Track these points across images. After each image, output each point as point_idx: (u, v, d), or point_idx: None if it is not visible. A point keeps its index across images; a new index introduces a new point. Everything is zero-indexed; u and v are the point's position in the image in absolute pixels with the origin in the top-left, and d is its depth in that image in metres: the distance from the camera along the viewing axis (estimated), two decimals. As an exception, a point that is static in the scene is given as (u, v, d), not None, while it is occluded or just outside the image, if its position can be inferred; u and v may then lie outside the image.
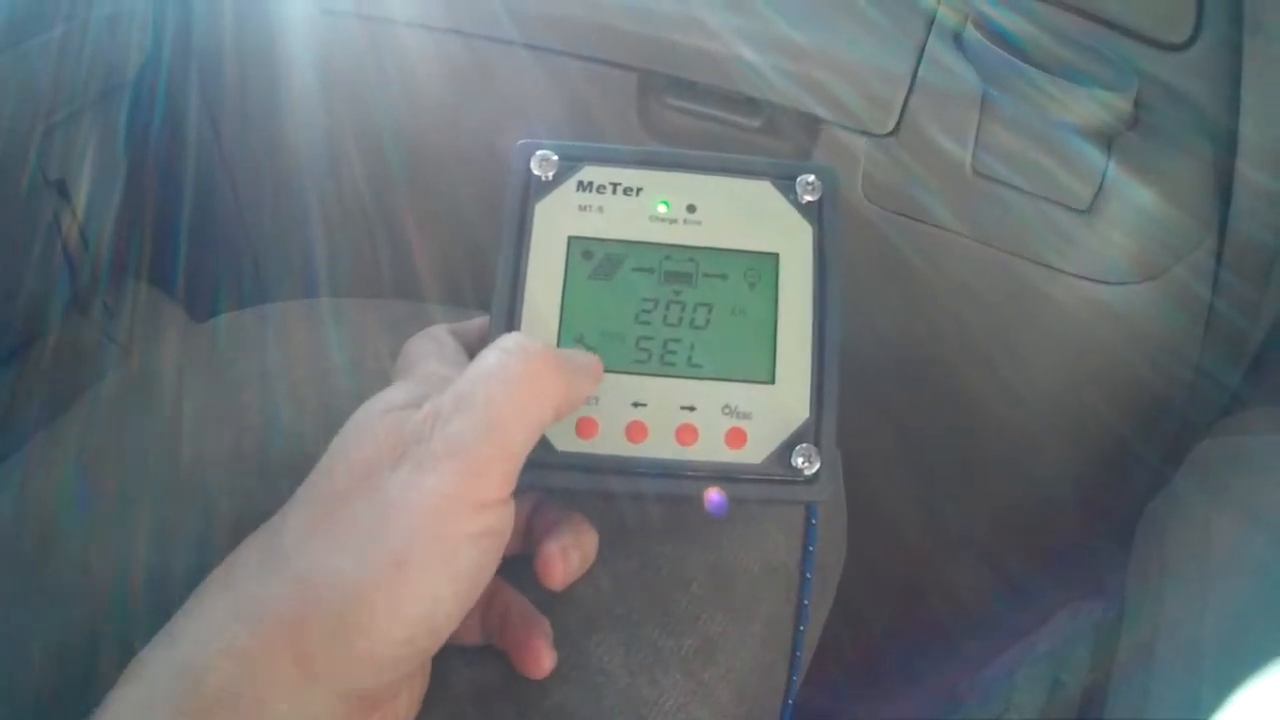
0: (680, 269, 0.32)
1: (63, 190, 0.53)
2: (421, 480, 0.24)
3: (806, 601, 0.39)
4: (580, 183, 0.32)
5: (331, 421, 0.42)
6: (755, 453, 0.30)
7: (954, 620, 0.68)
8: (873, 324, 0.59)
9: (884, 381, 0.61)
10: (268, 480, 0.40)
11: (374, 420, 0.26)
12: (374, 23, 0.55)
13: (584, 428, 0.30)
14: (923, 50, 0.52)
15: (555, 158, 0.33)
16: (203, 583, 0.26)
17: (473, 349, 0.30)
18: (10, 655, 0.35)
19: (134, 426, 0.44)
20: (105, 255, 0.58)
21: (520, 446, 0.26)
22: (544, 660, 0.31)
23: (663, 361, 0.31)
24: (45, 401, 0.50)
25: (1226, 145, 0.53)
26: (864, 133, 0.53)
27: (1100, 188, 0.50)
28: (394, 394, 0.28)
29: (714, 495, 0.30)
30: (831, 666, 0.57)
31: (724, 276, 0.32)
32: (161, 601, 0.36)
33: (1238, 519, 0.47)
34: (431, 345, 0.31)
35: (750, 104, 0.54)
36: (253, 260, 0.67)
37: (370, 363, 0.45)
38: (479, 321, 0.34)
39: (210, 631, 0.24)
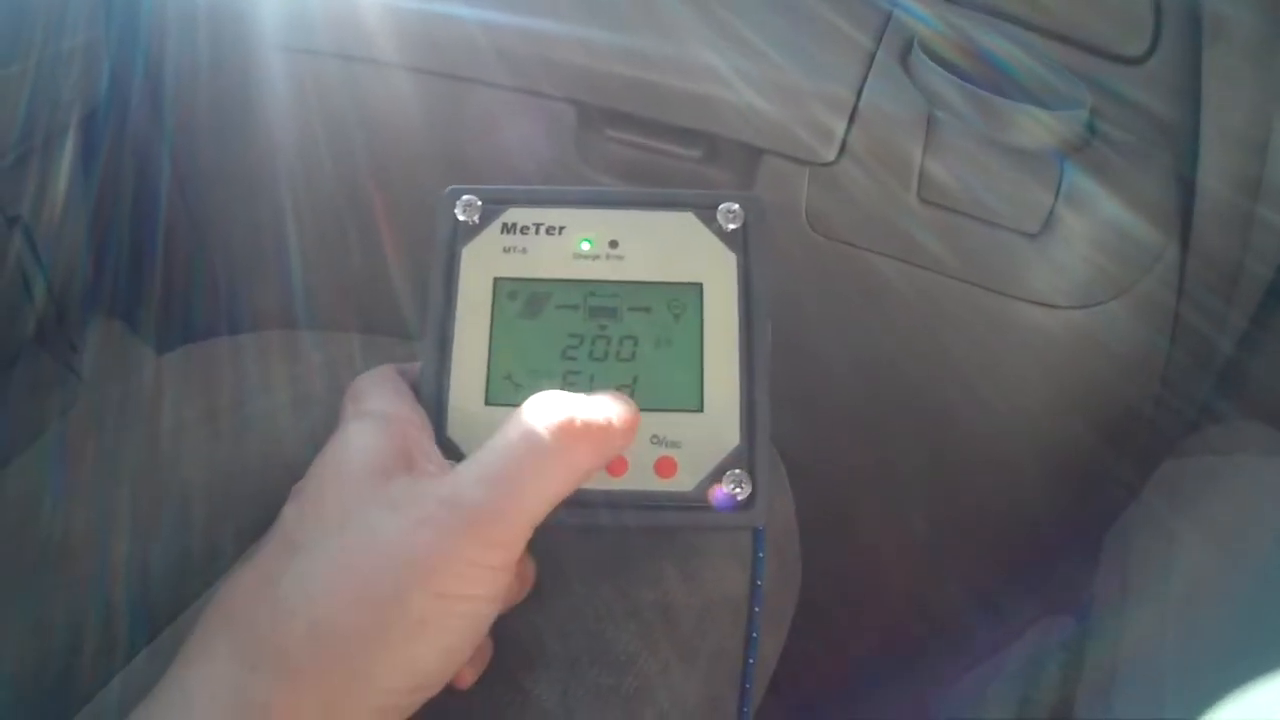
0: (605, 304, 0.32)
1: (24, 225, 0.53)
2: (440, 544, 0.25)
3: (755, 635, 0.39)
4: (505, 225, 0.33)
5: (296, 451, 0.42)
6: (686, 480, 0.30)
7: (924, 638, 0.68)
8: (841, 347, 0.58)
9: (854, 402, 0.61)
10: (241, 503, 0.41)
11: (363, 467, 0.27)
12: (322, 58, 0.55)
13: None
14: (866, 75, 0.51)
15: (479, 202, 0.33)
16: (199, 628, 0.26)
17: (417, 389, 0.31)
18: None
19: (108, 450, 0.45)
20: (70, 289, 0.58)
21: (538, 518, 0.26)
22: (465, 676, 0.31)
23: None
24: (11, 435, 0.50)
25: (1187, 160, 0.52)
26: (806, 162, 0.51)
27: (1052, 211, 0.49)
28: (367, 439, 0.28)
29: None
30: (799, 686, 0.57)
31: (648, 309, 0.32)
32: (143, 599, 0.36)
33: (1200, 539, 0.47)
34: (383, 385, 0.31)
35: (690, 134, 0.53)
36: (220, 293, 0.67)
37: (337, 396, 0.45)
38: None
39: (220, 687, 0.24)
